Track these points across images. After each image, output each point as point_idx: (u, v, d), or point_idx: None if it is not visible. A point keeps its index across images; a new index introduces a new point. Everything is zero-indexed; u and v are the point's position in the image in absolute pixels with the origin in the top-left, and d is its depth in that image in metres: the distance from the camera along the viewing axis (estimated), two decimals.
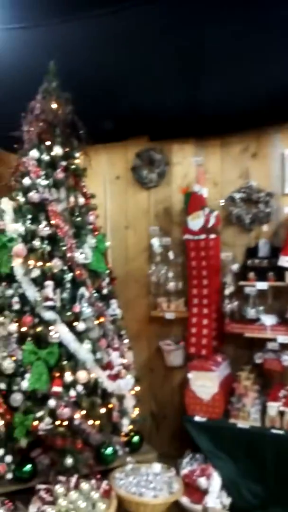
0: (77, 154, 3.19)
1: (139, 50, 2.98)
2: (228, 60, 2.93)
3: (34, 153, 2.96)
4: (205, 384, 3.11)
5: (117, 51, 3.00)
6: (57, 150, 3.00)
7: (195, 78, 3.27)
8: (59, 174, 2.96)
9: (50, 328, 2.69)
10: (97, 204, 3.27)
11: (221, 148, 3.68)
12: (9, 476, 2.56)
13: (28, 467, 2.59)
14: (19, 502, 2.43)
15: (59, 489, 2.43)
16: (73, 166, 3.11)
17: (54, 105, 3.09)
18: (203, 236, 3.39)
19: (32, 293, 2.76)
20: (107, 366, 2.87)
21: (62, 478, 2.53)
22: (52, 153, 3.00)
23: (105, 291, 3.14)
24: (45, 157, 2.98)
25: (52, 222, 2.85)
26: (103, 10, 2.66)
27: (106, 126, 3.70)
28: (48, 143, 3.04)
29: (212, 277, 3.40)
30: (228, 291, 3.35)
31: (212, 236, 3.42)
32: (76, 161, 3.19)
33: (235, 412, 3.03)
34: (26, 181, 2.92)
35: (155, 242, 3.64)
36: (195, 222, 3.43)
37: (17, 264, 2.79)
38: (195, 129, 3.69)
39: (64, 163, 3.03)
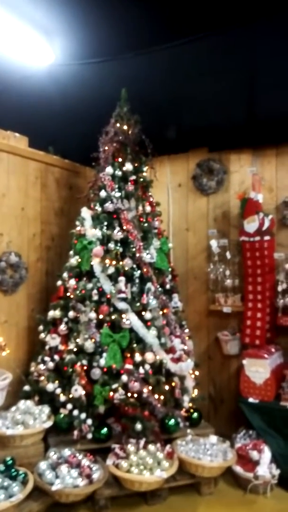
0: (144, 168, 3.70)
1: (201, 72, 3.40)
2: (281, 74, 3.24)
3: (109, 169, 3.51)
4: (258, 370, 3.46)
5: (181, 75, 3.45)
6: (128, 166, 3.52)
7: (251, 94, 3.62)
8: (130, 187, 3.49)
9: (122, 316, 3.22)
10: (161, 211, 3.76)
11: (276, 157, 3.97)
12: (90, 436, 3.11)
13: (105, 430, 3.11)
14: (98, 457, 2.97)
15: (130, 447, 2.94)
16: (141, 179, 3.62)
17: (125, 127, 3.62)
18: (258, 238, 3.72)
19: (108, 286, 3.30)
20: (170, 350, 3.33)
21: (132, 440, 3.04)
22: (124, 169, 3.53)
23: (168, 286, 3.63)
24: (118, 173, 3.52)
25: (124, 227, 3.39)
26: (171, 44, 3.12)
27: (170, 139, 4.18)
28: (120, 160, 3.59)
29: (266, 275, 3.72)
30: (281, 288, 3.65)
31: (267, 237, 3.72)
32: (144, 174, 3.70)
33: (285, 395, 3.35)
34: (102, 193, 3.48)
35: (214, 243, 4.02)
36: (251, 225, 3.76)
37: (95, 263, 3.35)
38: (251, 140, 4.01)
39: (133, 177, 3.56)
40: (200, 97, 3.65)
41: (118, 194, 3.46)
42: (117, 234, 3.36)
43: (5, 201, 3.55)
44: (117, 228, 3.39)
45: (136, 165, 3.61)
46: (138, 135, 3.69)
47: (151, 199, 3.67)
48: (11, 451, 2.87)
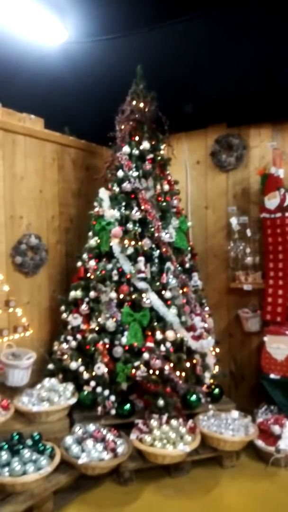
0: (162, 147, 3.65)
1: (217, 45, 3.30)
2: None
3: (126, 148, 3.48)
4: (279, 346, 3.47)
5: (197, 49, 3.36)
6: (145, 145, 3.48)
7: (270, 65, 3.50)
8: (147, 166, 3.46)
9: (142, 295, 3.25)
10: (179, 189, 3.73)
11: None
12: (113, 412, 3.19)
13: (128, 406, 3.18)
14: (122, 432, 3.06)
15: (153, 422, 3.01)
16: (158, 158, 3.58)
17: (141, 105, 3.56)
18: (279, 215, 3.66)
19: (127, 267, 3.32)
20: (191, 328, 3.36)
21: (155, 415, 3.11)
22: (141, 147, 3.50)
23: (187, 265, 3.63)
24: (135, 152, 3.49)
25: (142, 207, 3.38)
26: (186, 17, 3.04)
27: (188, 115, 4.10)
28: (137, 138, 3.55)
29: (287, 252, 3.67)
30: None
31: None
32: (161, 152, 3.66)
33: None
34: (120, 173, 3.47)
35: (233, 220, 3.96)
36: (272, 201, 3.70)
37: (114, 243, 3.37)
38: (271, 113, 3.89)
39: (151, 156, 3.52)
40: (217, 71, 3.56)
41: (135, 174, 3.43)
42: (136, 214, 3.36)
43: (24, 184, 3.58)
44: (135, 208, 3.38)
45: (153, 143, 3.57)
46: (155, 113, 3.63)
47: (169, 178, 3.64)
48: (38, 426, 2.96)
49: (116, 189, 3.48)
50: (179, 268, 3.50)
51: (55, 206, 3.92)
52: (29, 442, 2.77)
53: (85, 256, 3.55)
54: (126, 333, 3.20)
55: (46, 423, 3.01)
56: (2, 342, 3.37)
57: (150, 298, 3.24)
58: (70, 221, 4.11)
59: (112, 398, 3.19)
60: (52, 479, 2.66)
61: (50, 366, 3.48)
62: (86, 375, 3.24)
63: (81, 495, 2.80)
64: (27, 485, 2.52)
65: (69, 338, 3.46)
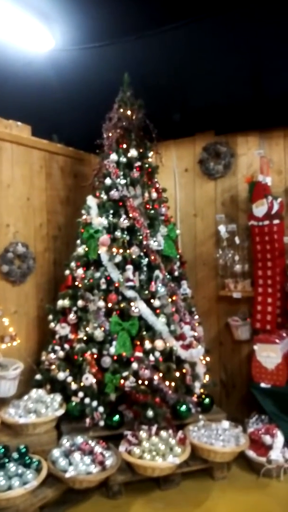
0: (150, 154, 3.64)
1: (205, 53, 3.31)
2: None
3: (113, 156, 3.46)
4: (269, 355, 3.44)
5: (184, 57, 3.36)
6: (133, 152, 3.47)
7: (257, 74, 3.52)
8: (135, 174, 3.44)
9: (131, 304, 3.21)
10: (167, 197, 3.72)
11: (285, 139, 3.88)
12: (102, 423, 3.13)
13: (117, 417, 3.13)
14: (110, 443, 3.00)
15: (142, 434, 2.96)
16: (146, 165, 3.57)
17: (128, 112, 3.56)
18: (267, 222, 3.66)
19: (115, 275, 3.28)
20: (180, 337, 3.32)
21: (144, 427, 3.06)
22: (129, 155, 3.48)
23: (176, 273, 3.60)
24: (123, 159, 3.47)
25: (130, 215, 3.35)
26: (173, 25, 3.04)
27: (175, 123, 4.09)
28: (124, 146, 3.53)
29: (276, 259, 3.66)
30: None
31: (276, 221, 3.65)
32: (149, 159, 3.65)
33: None
34: (108, 181, 3.44)
35: (222, 228, 3.96)
36: (259, 209, 3.69)
37: (102, 251, 3.33)
38: (258, 121, 3.92)
39: (139, 163, 3.51)
40: (205, 79, 3.57)
41: (123, 181, 3.41)
42: (124, 222, 3.33)
43: (11, 192, 3.53)
44: (123, 216, 3.36)
45: (141, 151, 3.56)
46: (142, 120, 3.62)
47: (157, 185, 3.62)
48: (25, 439, 2.90)
49: (104, 196, 3.45)
50: (168, 276, 3.47)
51: (43, 213, 3.88)
52: (15, 455, 2.70)
53: (73, 264, 3.51)
54: (114, 342, 3.15)
55: (33, 435, 2.95)
56: None
57: (139, 307, 3.20)
58: (58, 229, 4.07)
59: (101, 409, 3.13)
60: (39, 494, 2.60)
61: (38, 376, 3.42)
62: (74, 386, 3.19)
63: (69, 509, 2.73)
64: (12, 501, 2.45)
65: (57, 348, 3.40)
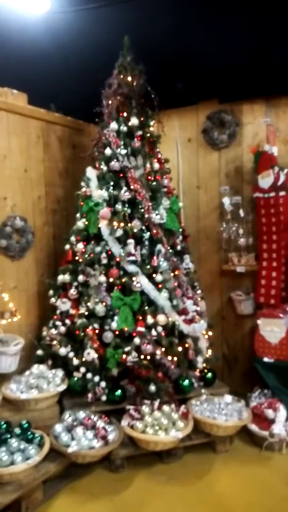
0: (151, 122, 3.48)
1: (209, 16, 3.13)
2: None
3: (113, 125, 3.31)
4: (273, 329, 3.39)
5: (187, 18, 3.18)
6: (134, 121, 3.32)
7: (264, 39, 3.34)
8: (136, 143, 3.30)
9: (133, 279, 3.14)
10: (170, 168, 3.59)
11: None
12: (104, 398, 3.12)
13: (119, 392, 3.11)
14: (113, 418, 2.99)
15: (145, 408, 2.94)
16: (148, 135, 3.42)
17: (129, 78, 3.38)
18: (273, 194, 3.54)
19: (117, 249, 3.20)
20: (183, 312, 3.27)
21: (147, 401, 3.04)
22: (129, 124, 3.33)
23: (179, 247, 3.51)
24: (123, 128, 3.32)
25: (132, 187, 3.23)
26: None
27: (178, 91, 3.92)
28: (125, 114, 3.37)
29: (281, 233, 3.56)
30: None
31: (282, 193, 3.53)
32: (151, 129, 3.49)
33: None
34: (107, 151, 3.31)
35: (226, 200, 3.84)
36: (265, 180, 3.57)
37: (103, 225, 3.24)
38: (265, 89, 3.75)
39: (140, 132, 3.36)
40: (208, 44, 3.39)
41: (124, 151, 3.28)
42: (124, 194, 3.22)
43: (7, 163, 3.40)
44: (124, 188, 3.24)
45: (142, 119, 3.40)
46: (143, 87, 3.45)
47: (159, 156, 3.48)
48: (27, 414, 2.89)
49: (104, 167, 3.33)
50: (170, 250, 3.38)
51: (41, 186, 3.76)
52: (17, 430, 2.69)
53: (73, 238, 3.41)
54: (116, 317, 3.11)
55: (35, 411, 2.94)
56: None
57: (141, 282, 3.14)
58: (57, 202, 3.95)
59: (103, 384, 3.11)
60: (41, 468, 2.59)
61: (39, 352, 3.39)
62: (75, 361, 3.16)
63: (71, 483, 2.74)
64: (15, 475, 2.44)
65: (58, 323, 3.35)
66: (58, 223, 3.96)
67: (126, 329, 3.08)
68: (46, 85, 3.68)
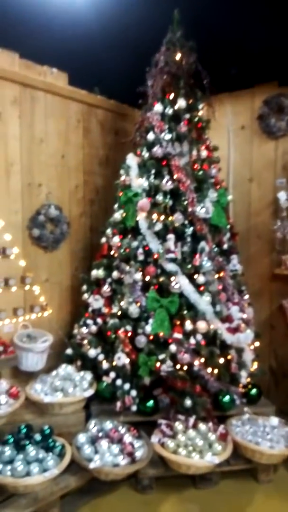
0: (200, 106, 3.14)
1: None
2: None
3: (158, 107, 3.00)
4: None
5: None
6: (181, 103, 2.98)
7: None
8: (182, 128, 2.96)
9: (171, 278, 2.82)
10: (219, 157, 3.21)
11: None
12: (134, 408, 2.84)
13: (151, 402, 2.82)
14: (142, 431, 2.70)
15: (178, 425, 2.62)
16: (196, 119, 3.07)
17: (178, 56, 3.05)
18: None
19: (155, 245, 2.90)
20: (227, 319, 2.90)
21: (181, 416, 2.72)
22: (176, 106, 3.00)
23: (225, 246, 3.15)
24: (169, 111, 3.00)
25: (175, 176, 2.90)
26: None
27: (232, 73, 3.54)
28: (171, 96, 3.05)
29: None
30: None
31: None
32: (200, 113, 3.14)
33: None
34: (150, 136, 3.00)
35: (282, 195, 3.42)
36: None
37: (141, 217, 2.94)
38: None
39: (187, 116, 3.02)
40: (269, 21, 2.99)
41: (168, 137, 2.95)
42: (167, 184, 2.89)
43: (43, 148, 3.19)
44: (167, 177, 2.92)
45: (190, 101, 3.06)
46: (193, 66, 3.10)
47: (207, 143, 3.12)
48: (50, 419, 2.68)
49: (146, 154, 3.02)
50: (216, 249, 3.02)
51: (79, 174, 3.53)
52: (37, 437, 2.47)
53: (109, 231, 3.15)
54: (151, 320, 2.81)
55: (59, 415, 2.72)
56: (16, 322, 3.09)
57: (180, 282, 2.81)
58: (96, 191, 3.71)
59: (133, 393, 2.85)
60: (60, 482, 2.36)
61: (69, 351, 3.18)
62: (105, 365, 2.92)
63: (93, 500, 2.49)
64: (30, 487, 2.22)
65: (89, 322, 3.13)
66: (96, 214, 3.71)
67: (161, 334, 2.78)
68: (89, 65, 3.42)
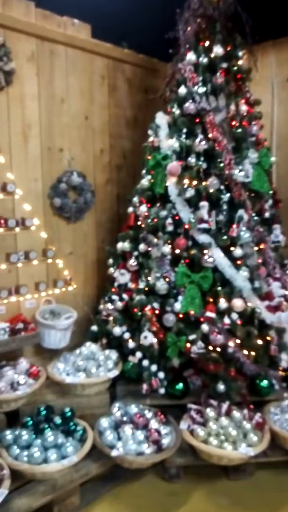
0: (240, 54, 2.75)
1: None
2: None
3: (191, 56, 2.66)
4: None
5: None
6: (217, 50, 2.62)
7: None
8: (219, 79, 2.61)
9: (204, 251, 2.56)
10: (261, 113, 2.84)
11: None
12: (162, 391, 2.65)
13: (180, 385, 2.62)
14: (170, 416, 2.50)
15: (210, 412, 2.40)
16: (235, 68, 2.71)
17: None
18: None
19: (186, 214, 2.63)
20: (266, 296, 2.63)
21: (213, 402, 2.50)
22: (211, 55, 2.65)
23: (267, 214, 2.85)
24: (203, 60, 2.66)
25: (209, 135, 2.59)
26: None
27: (277, 17, 3.10)
28: (206, 43, 2.68)
29: None
30: None
31: None
32: (239, 62, 2.76)
33: None
34: (182, 90, 2.68)
35: None
36: None
37: (171, 183, 2.66)
38: None
39: (224, 65, 2.67)
40: None
41: (202, 90, 2.62)
42: (200, 144, 2.59)
43: (65, 108, 2.95)
44: (200, 136, 2.60)
45: (228, 49, 2.69)
46: (232, 7, 2.71)
47: (248, 96, 2.75)
48: (72, 400, 2.57)
49: (176, 111, 2.71)
50: (256, 218, 2.72)
51: (104, 137, 3.28)
52: (57, 420, 2.33)
53: (136, 199, 2.90)
54: (180, 297, 2.59)
55: (82, 396, 2.61)
56: (39, 298, 2.93)
57: (214, 256, 2.55)
58: (124, 156, 3.45)
59: (161, 375, 2.64)
60: (81, 468, 2.20)
61: (94, 328, 3.01)
62: (131, 344, 2.73)
63: (116, 488, 2.33)
64: (49, 474, 2.09)
65: (115, 297, 2.92)
66: (123, 182, 3.47)
67: (192, 312, 2.54)
68: (114, 14, 3.08)
